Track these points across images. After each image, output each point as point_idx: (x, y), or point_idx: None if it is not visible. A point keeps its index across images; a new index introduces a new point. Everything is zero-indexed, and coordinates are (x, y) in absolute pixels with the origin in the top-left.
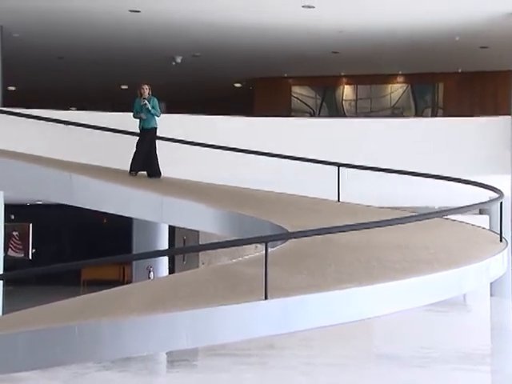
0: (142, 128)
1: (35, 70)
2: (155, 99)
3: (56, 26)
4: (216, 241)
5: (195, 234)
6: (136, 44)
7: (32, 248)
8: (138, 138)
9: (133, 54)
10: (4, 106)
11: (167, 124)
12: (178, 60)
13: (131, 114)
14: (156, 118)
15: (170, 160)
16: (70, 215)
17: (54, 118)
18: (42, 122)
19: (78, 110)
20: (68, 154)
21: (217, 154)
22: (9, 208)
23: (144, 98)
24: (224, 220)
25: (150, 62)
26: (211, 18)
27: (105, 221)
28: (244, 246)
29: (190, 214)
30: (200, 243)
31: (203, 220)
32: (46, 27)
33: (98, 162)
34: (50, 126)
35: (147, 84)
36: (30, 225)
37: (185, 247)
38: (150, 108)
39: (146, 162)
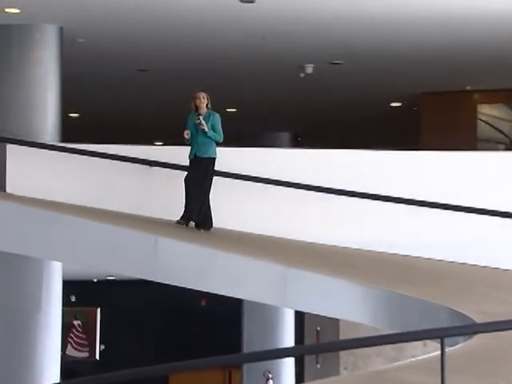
0: (194, 156)
1: (107, 88)
2: (216, 115)
3: (136, 28)
4: (365, 335)
5: (334, 323)
6: (248, 48)
7: (100, 344)
8: (187, 172)
9: (244, 63)
10: (64, 141)
11: (289, 162)
12: (309, 70)
13: (242, 149)
14: (214, 143)
15: (288, 214)
16: (155, 296)
17: (132, 156)
18: (114, 162)
19: (165, 144)
20: (152, 207)
21: (360, 206)
22: (69, 286)
23: (199, 114)
24: (376, 304)
25: (268, 75)
26: (358, 10)
27: (203, 303)
28: (407, 344)
29: (325, 295)
30: (341, 338)
31: (345, 304)
32: (122, 29)
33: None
34: (126, 167)
35: (204, 92)
36: (98, 310)
37: (319, 344)
38: (206, 128)
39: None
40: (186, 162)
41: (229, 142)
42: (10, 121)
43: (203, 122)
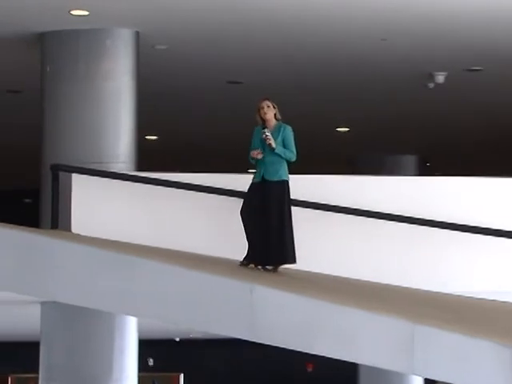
0: (261, 179)
1: (191, 104)
2: (287, 128)
3: (228, 32)
4: None
5: None
6: (364, 54)
7: None
8: (245, 199)
9: (359, 71)
10: (140, 169)
11: (412, 192)
12: (440, 79)
13: (352, 177)
14: (285, 162)
15: (404, 256)
16: (251, 359)
17: (221, 186)
18: (200, 194)
19: None
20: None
21: (498, 246)
22: (146, 346)
23: (265, 127)
24: None
25: (389, 85)
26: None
27: (310, 368)
28: None
29: (463, 359)
30: None
31: (489, 371)
32: (211, 33)
33: (302, 264)
34: (213, 200)
35: (269, 100)
36: (181, 376)
37: None
38: (273, 144)
39: (271, 242)
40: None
41: (339, 167)
42: (77, 145)
43: (269, 135)
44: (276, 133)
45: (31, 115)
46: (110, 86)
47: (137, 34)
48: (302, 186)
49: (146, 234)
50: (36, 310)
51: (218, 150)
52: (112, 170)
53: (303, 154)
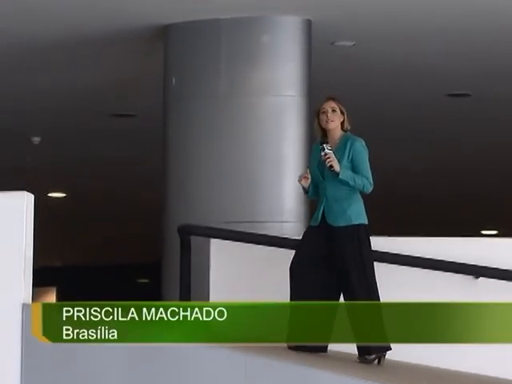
0: (320, 221)
1: (392, 126)
2: (358, 143)
3: (447, 18)
4: None
5: None
6: None
7: None
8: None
9: None
10: None
11: None
12: None
13: None
14: (358, 194)
15: None
16: None
17: (437, 256)
18: (405, 268)
19: (502, 234)
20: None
21: None
22: None
23: (324, 143)
24: None
25: None
26: None
27: None
28: None
29: None
30: None
31: None
32: (421, 25)
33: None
34: (431, 278)
35: (335, 100)
36: None
37: None
38: (335, 165)
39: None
40: None
41: None
42: (217, 197)
43: (330, 152)
44: (340, 150)
45: (147, 151)
46: (269, 104)
47: (308, 23)
48: None
49: None
50: None
51: (431, 200)
52: (272, 234)
53: None
